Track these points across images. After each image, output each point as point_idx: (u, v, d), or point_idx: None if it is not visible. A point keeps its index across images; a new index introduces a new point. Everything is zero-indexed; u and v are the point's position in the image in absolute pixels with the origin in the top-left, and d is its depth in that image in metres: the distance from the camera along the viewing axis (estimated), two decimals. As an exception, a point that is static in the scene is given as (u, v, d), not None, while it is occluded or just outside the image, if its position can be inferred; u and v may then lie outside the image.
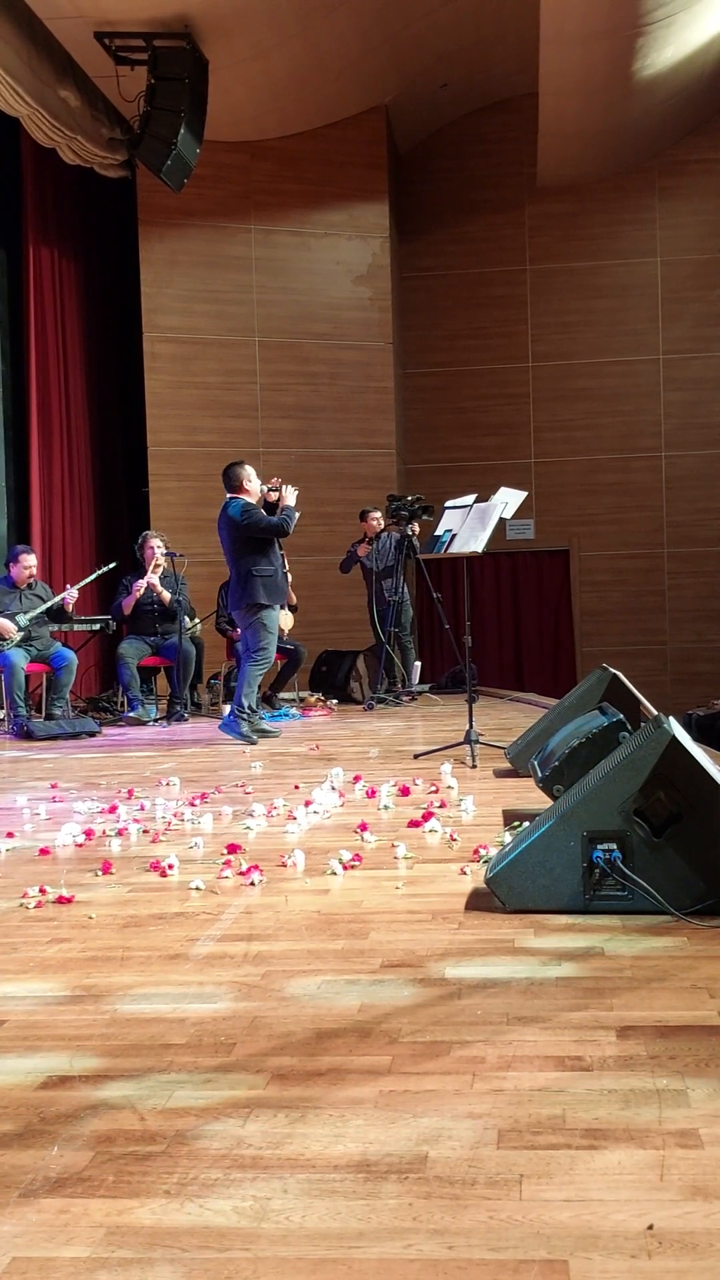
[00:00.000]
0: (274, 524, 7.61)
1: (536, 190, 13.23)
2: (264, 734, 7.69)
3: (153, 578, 9.46)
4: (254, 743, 7.43)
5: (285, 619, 10.00)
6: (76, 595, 9.14)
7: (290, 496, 7.84)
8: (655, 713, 3.38)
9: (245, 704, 7.59)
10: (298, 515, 7.84)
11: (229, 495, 7.74)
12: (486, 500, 6.93)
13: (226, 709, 9.26)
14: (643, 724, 3.39)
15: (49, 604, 8.95)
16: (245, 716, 7.58)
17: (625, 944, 2.78)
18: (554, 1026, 2.27)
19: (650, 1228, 1.54)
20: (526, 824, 3.86)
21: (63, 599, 8.99)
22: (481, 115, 13.37)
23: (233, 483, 7.75)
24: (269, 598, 7.60)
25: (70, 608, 9.10)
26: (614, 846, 3.02)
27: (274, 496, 7.94)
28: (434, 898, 3.30)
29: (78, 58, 9.85)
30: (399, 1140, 1.81)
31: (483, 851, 3.74)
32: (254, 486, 7.81)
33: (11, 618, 8.84)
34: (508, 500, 7.08)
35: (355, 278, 12.32)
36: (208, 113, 10.07)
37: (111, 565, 9.97)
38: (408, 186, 13.47)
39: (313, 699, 10.18)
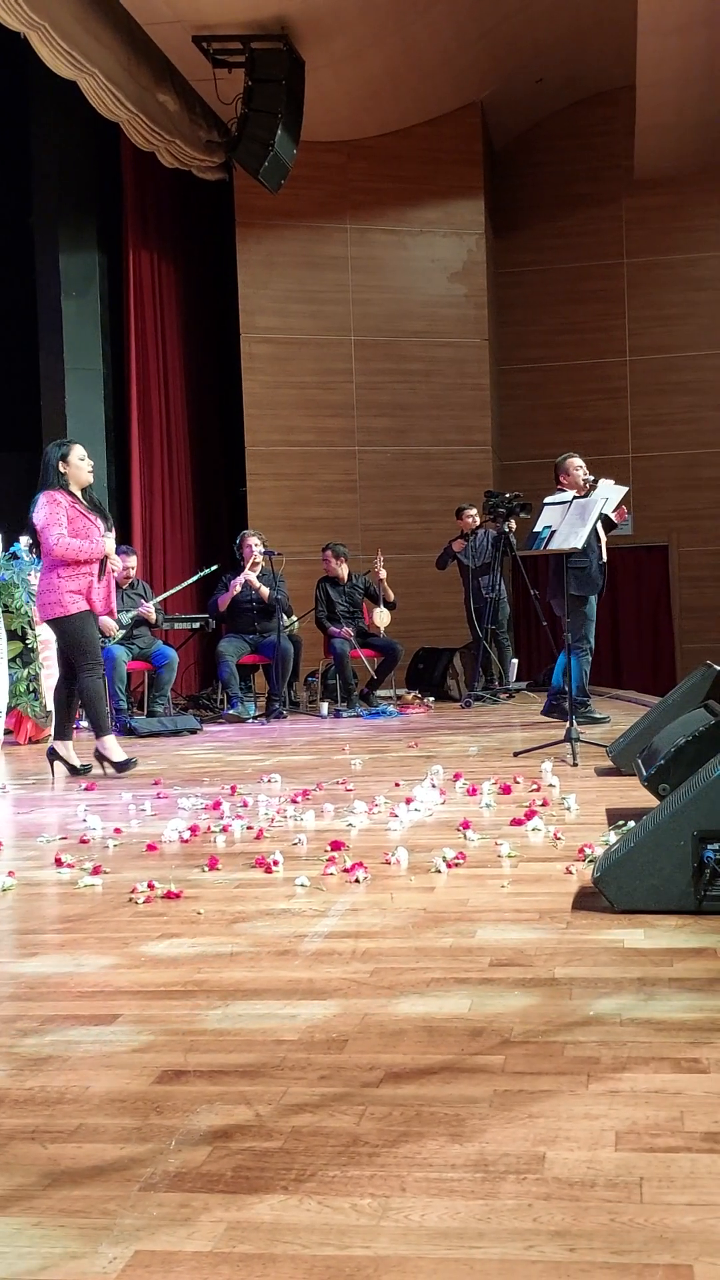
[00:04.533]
0: None
1: (634, 183, 13.07)
2: (593, 721, 7.81)
3: (250, 575, 9.53)
4: (606, 719, 7.78)
5: (382, 616, 10.01)
6: (153, 610, 9.21)
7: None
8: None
9: (579, 693, 7.73)
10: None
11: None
12: (586, 496, 6.87)
13: (323, 706, 9.31)
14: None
15: (133, 613, 9.05)
16: (583, 702, 7.79)
17: (739, 946, 2.73)
18: (668, 1028, 2.24)
19: (777, 1235, 1.51)
20: (632, 823, 3.82)
21: (139, 614, 9.07)
22: (578, 109, 13.25)
23: (556, 475, 8.06)
24: (578, 588, 7.68)
25: (154, 619, 9.20)
26: (726, 847, 2.97)
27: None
28: (540, 897, 3.28)
29: (176, 62, 9.95)
30: (515, 1140, 1.80)
31: (588, 851, 3.70)
32: (571, 479, 7.98)
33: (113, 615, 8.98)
34: (608, 495, 7.03)
35: (451, 275, 12.29)
36: (304, 113, 10.11)
37: (212, 568, 10.07)
38: (504, 182, 13.40)
39: (410, 696, 10.18)
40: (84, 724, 6.77)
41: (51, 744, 6.50)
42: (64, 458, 6.34)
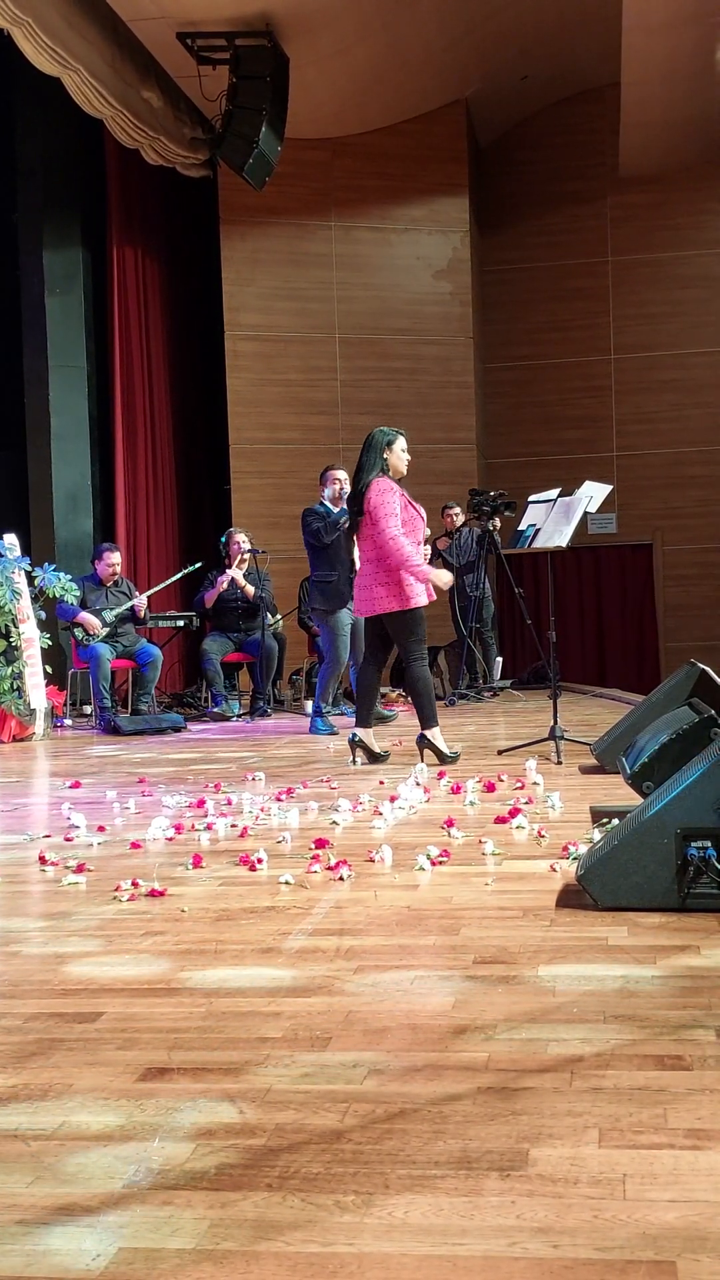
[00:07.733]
0: (313, 530, 7.99)
1: (619, 181, 13.07)
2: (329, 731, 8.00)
3: (236, 572, 9.53)
4: (335, 732, 7.80)
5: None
6: (146, 603, 9.24)
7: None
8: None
9: (320, 703, 8.07)
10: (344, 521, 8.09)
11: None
12: (570, 494, 6.87)
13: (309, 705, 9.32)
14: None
15: (122, 608, 9.05)
16: (324, 713, 8.04)
17: (722, 943, 2.74)
18: (652, 1025, 2.24)
19: (759, 1231, 1.51)
20: (616, 821, 3.82)
21: (133, 607, 9.09)
22: (563, 106, 13.25)
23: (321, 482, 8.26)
24: (324, 603, 7.94)
25: (143, 614, 9.22)
26: (709, 844, 2.98)
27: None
28: (524, 894, 3.28)
29: (160, 59, 9.92)
30: (499, 1137, 1.80)
31: (572, 848, 3.71)
32: (326, 491, 8.04)
33: (98, 614, 8.96)
34: (593, 494, 7.01)
35: (436, 272, 12.29)
36: (289, 110, 10.09)
37: (197, 565, 10.05)
38: (489, 180, 13.40)
39: (394, 695, 10.18)
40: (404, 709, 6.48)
41: (354, 730, 6.39)
42: (389, 444, 6.27)
